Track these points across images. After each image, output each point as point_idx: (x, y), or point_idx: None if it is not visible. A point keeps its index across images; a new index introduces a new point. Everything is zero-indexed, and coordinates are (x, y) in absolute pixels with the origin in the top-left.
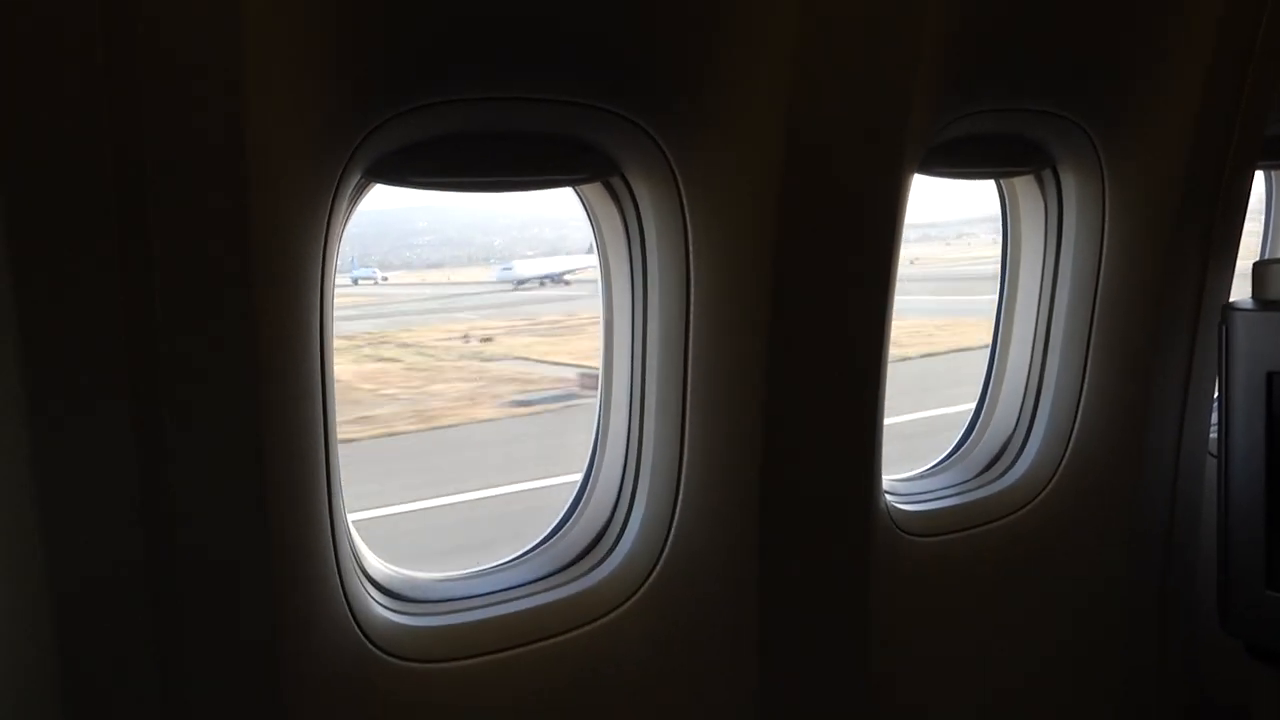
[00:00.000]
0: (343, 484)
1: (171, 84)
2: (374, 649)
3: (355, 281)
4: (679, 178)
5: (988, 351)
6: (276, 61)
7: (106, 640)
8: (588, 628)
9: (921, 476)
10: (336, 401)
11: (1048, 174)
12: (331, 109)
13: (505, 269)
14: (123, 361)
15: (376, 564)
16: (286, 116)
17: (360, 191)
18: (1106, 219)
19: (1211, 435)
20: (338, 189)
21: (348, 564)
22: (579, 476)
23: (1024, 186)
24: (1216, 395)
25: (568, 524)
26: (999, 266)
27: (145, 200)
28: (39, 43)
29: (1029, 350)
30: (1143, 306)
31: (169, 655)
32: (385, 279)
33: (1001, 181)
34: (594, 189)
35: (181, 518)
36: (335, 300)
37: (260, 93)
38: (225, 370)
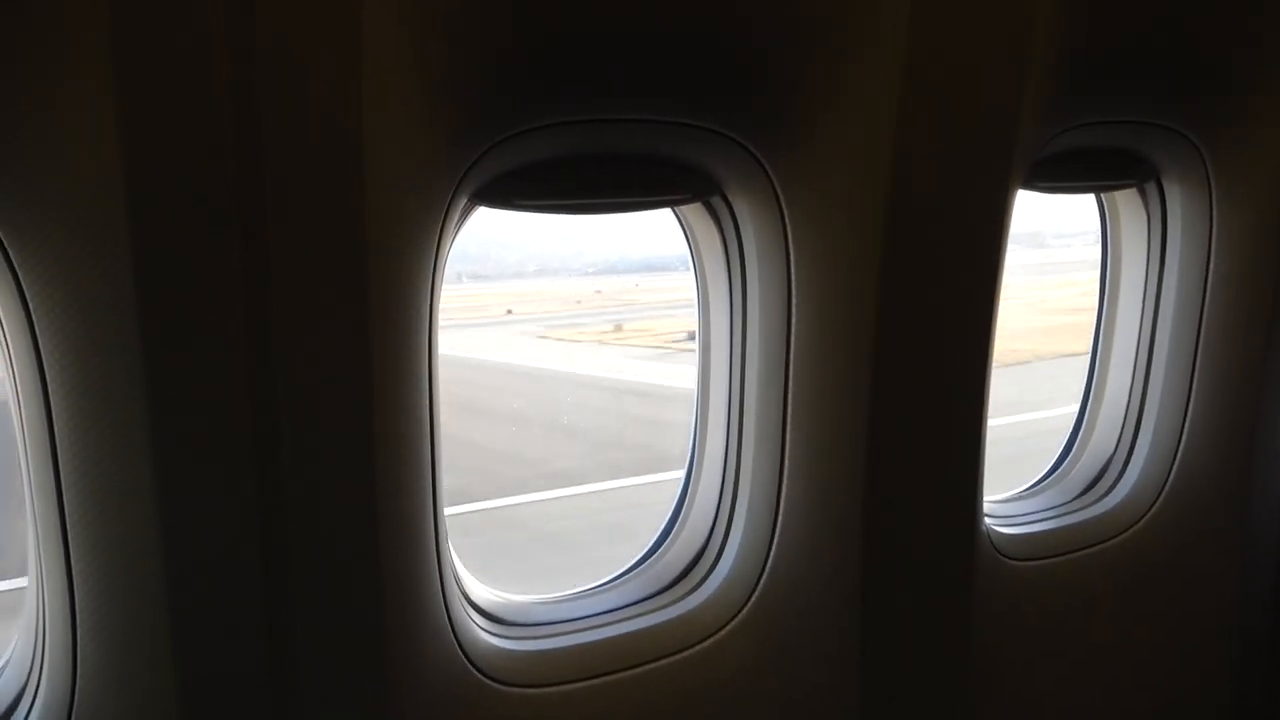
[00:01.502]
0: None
1: (291, 114)
2: (477, 673)
3: None
4: (781, 197)
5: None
6: (392, 90)
7: (223, 663)
8: (685, 653)
9: (1020, 497)
10: None
11: (1151, 187)
12: (443, 135)
13: None
14: (243, 383)
15: (478, 588)
16: (401, 144)
17: (466, 214)
18: (1214, 233)
19: None
20: (447, 213)
21: (452, 590)
22: None
23: (1126, 200)
24: None
25: (664, 545)
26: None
27: (265, 221)
28: (172, 84)
29: (1130, 368)
30: (1251, 324)
31: (282, 678)
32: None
33: (1102, 195)
34: (693, 209)
35: (296, 549)
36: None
37: (376, 120)
38: (340, 401)
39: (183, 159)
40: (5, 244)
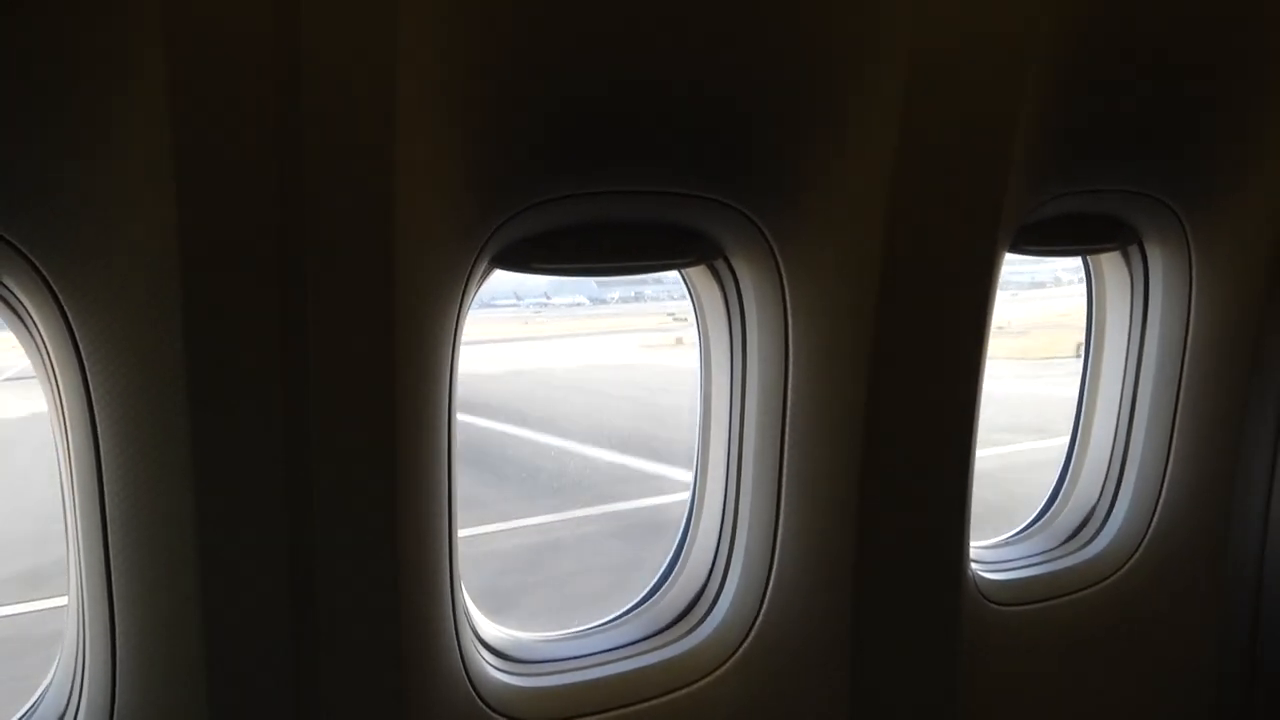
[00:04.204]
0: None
1: (330, 178)
2: (487, 709)
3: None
4: (780, 260)
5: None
6: (425, 163)
7: (252, 707)
8: (684, 690)
9: (1006, 544)
10: None
11: (1134, 250)
12: (470, 203)
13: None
14: (278, 442)
15: (488, 626)
16: (432, 210)
17: (485, 276)
18: (1193, 294)
19: None
20: (470, 274)
21: (465, 629)
22: None
23: (1110, 261)
24: None
25: (665, 585)
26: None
27: (305, 277)
28: (224, 148)
29: (1113, 421)
30: (1230, 379)
31: (306, 706)
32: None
33: (1088, 257)
34: (697, 271)
35: (323, 597)
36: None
37: (410, 187)
38: (367, 452)
39: (231, 217)
40: (59, 295)
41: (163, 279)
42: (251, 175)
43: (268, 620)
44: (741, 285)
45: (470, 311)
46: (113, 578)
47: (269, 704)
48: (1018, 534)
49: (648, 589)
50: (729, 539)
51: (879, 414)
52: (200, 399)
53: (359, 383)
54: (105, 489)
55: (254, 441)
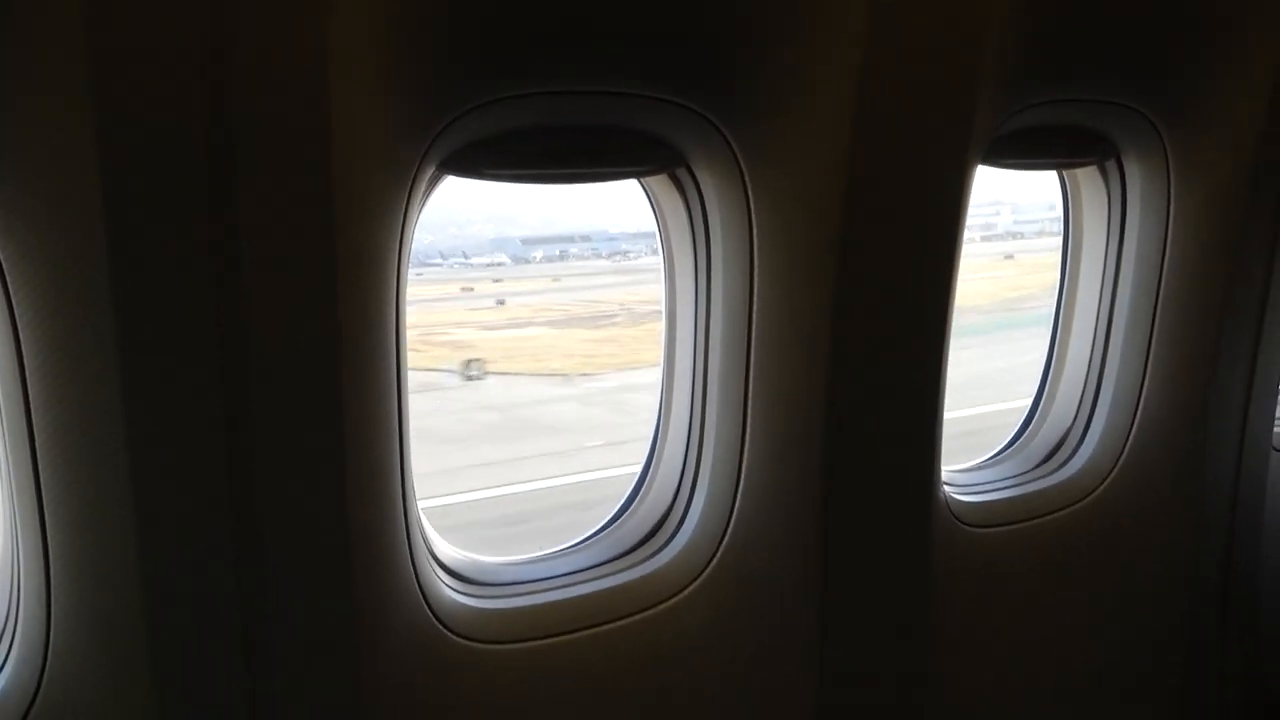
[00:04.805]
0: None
1: (258, 83)
2: (445, 630)
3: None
4: (744, 169)
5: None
6: (358, 57)
7: (195, 621)
8: (650, 611)
9: (980, 468)
10: None
11: (1111, 164)
12: (408, 105)
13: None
14: (213, 350)
15: (446, 548)
16: (367, 110)
17: (434, 184)
18: (1171, 210)
19: (1276, 430)
20: (414, 183)
21: (420, 549)
22: None
23: (1086, 177)
24: None
25: (630, 509)
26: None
27: (234, 193)
28: (145, 46)
29: (1089, 342)
30: (1207, 299)
31: (253, 636)
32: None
33: (1063, 172)
34: (659, 181)
35: (266, 507)
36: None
37: (341, 89)
38: (309, 361)
39: (151, 123)
40: None
41: (83, 189)
42: (174, 79)
43: (207, 533)
44: (705, 197)
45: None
46: (43, 493)
47: (211, 629)
48: (992, 458)
49: (613, 512)
50: (695, 458)
51: (847, 331)
52: (130, 316)
53: (299, 290)
54: (31, 403)
55: (189, 357)
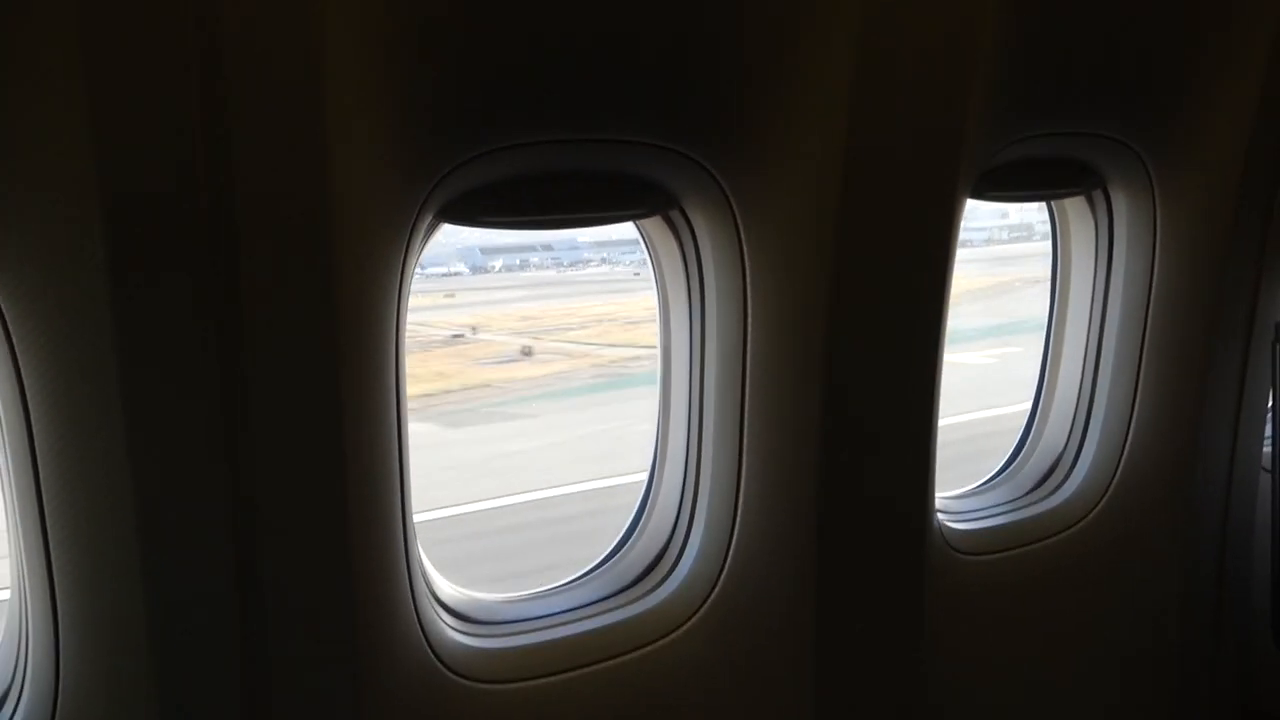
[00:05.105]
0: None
1: (258, 133)
2: (445, 670)
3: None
4: (736, 210)
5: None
6: (358, 109)
7: (196, 656)
8: (649, 648)
9: (973, 494)
10: None
11: (1098, 194)
12: (409, 154)
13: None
14: (215, 396)
15: (446, 587)
16: (368, 162)
17: (431, 232)
18: (1158, 237)
19: (1265, 450)
20: (413, 230)
21: (420, 589)
22: None
23: (1074, 206)
24: (1270, 410)
25: (628, 544)
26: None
27: (237, 241)
28: (143, 102)
29: (1080, 368)
30: (1195, 323)
31: (252, 683)
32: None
33: (1051, 201)
34: (653, 223)
35: (268, 549)
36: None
37: (343, 137)
38: (310, 408)
39: (154, 173)
40: None
41: (85, 234)
42: (174, 143)
43: (210, 579)
44: (699, 239)
45: None
46: (49, 530)
47: (214, 665)
48: (984, 484)
49: (610, 548)
50: (692, 494)
51: (840, 367)
52: (129, 357)
53: (297, 338)
54: (35, 439)
55: (189, 402)
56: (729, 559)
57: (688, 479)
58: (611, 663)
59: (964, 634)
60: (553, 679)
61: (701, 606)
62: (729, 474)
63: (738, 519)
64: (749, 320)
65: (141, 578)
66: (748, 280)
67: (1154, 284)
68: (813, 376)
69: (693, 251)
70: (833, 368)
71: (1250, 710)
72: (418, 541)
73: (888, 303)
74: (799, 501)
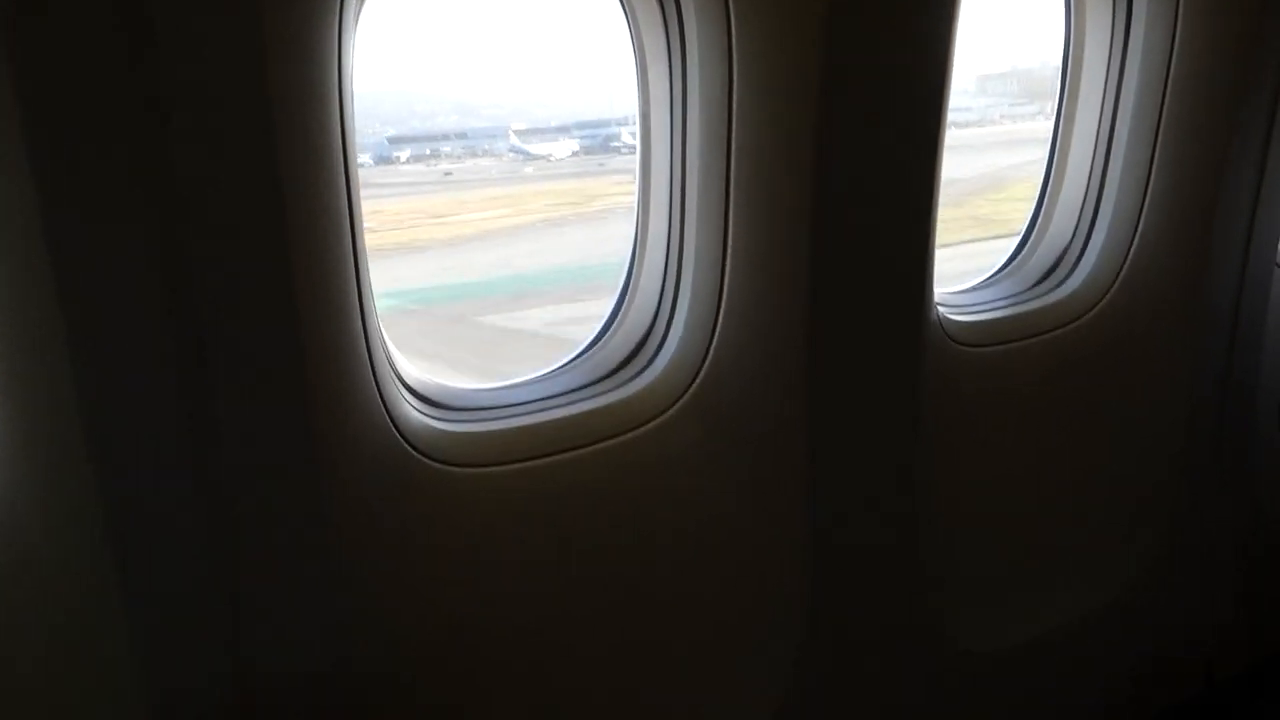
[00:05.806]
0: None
1: None
2: (413, 452)
3: None
4: None
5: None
6: None
7: (142, 447)
8: (631, 434)
9: (976, 289)
10: None
11: None
12: None
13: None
14: (148, 172)
15: (414, 372)
16: None
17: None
18: (1180, 12)
19: None
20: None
21: (383, 370)
22: None
23: None
24: None
25: (608, 333)
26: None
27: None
28: None
29: (1089, 154)
30: (1214, 107)
31: (208, 465)
32: None
33: None
34: None
35: (212, 327)
36: None
37: None
38: (246, 180)
39: None
40: None
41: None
42: None
43: (153, 355)
44: None
45: None
46: None
47: (161, 445)
48: (988, 279)
49: (591, 336)
50: (674, 278)
51: (833, 141)
52: (44, 105)
53: (230, 112)
54: None
55: (124, 185)
56: (714, 342)
57: (669, 262)
58: (594, 447)
59: (963, 423)
60: (532, 463)
61: (685, 392)
62: (713, 256)
63: (723, 300)
64: (735, 86)
65: (72, 366)
66: (734, 42)
67: (1173, 63)
68: (803, 151)
69: (674, 9)
70: (824, 141)
71: (1254, 504)
72: (380, 325)
73: (885, 72)
74: (788, 285)
